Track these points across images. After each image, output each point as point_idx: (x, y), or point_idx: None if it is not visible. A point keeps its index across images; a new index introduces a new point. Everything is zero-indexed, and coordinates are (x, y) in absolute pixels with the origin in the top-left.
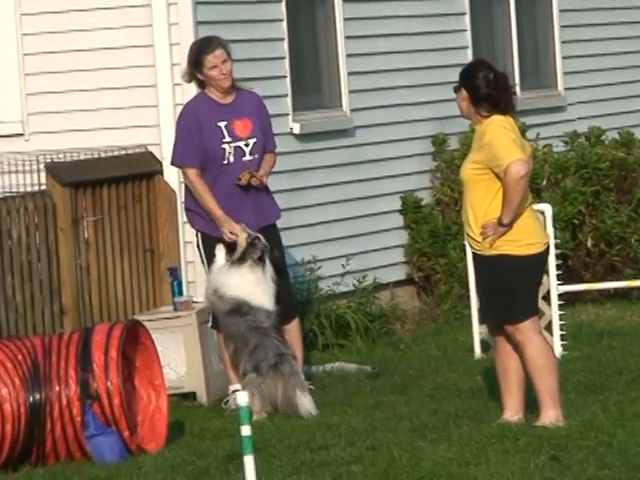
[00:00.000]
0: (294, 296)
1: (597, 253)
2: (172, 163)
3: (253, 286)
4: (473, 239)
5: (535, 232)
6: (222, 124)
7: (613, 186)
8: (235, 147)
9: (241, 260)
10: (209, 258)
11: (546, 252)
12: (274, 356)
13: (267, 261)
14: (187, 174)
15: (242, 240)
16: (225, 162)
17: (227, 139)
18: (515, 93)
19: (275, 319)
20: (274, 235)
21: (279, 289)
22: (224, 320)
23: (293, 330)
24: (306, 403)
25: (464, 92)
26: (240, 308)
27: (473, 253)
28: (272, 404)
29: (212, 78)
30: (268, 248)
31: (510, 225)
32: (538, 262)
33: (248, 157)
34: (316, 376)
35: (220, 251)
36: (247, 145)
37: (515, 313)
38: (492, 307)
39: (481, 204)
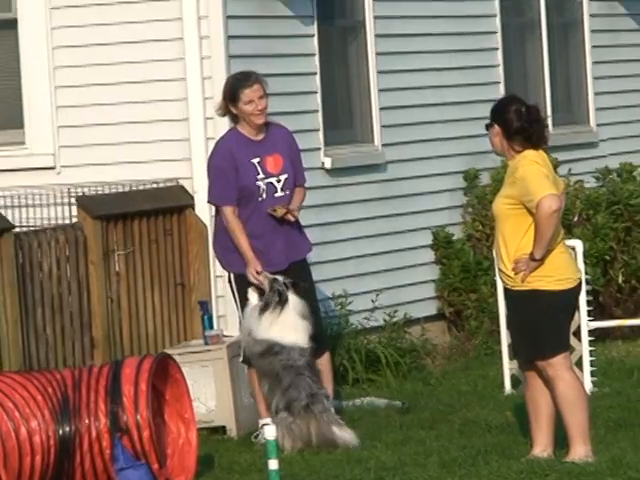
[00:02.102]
0: (324, 330)
1: (628, 289)
2: (209, 201)
3: (283, 327)
4: (505, 274)
5: (567, 268)
6: (255, 160)
7: None
8: (267, 183)
9: (266, 306)
10: (241, 297)
11: (578, 288)
12: (307, 396)
13: (291, 298)
14: (224, 212)
15: (267, 286)
16: (260, 199)
17: (261, 175)
18: (547, 126)
19: (309, 356)
20: (304, 269)
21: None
22: (258, 362)
23: (324, 364)
24: (346, 436)
25: (496, 127)
26: (272, 348)
27: (505, 288)
28: (304, 443)
29: (247, 113)
30: (289, 285)
31: (542, 260)
32: (570, 298)
33: (280, 193)
34: (346, 411)
35: (252, 295)
36: (279, 181)
37: (547, 348)
38: (524, 342)
39: (513, 239)
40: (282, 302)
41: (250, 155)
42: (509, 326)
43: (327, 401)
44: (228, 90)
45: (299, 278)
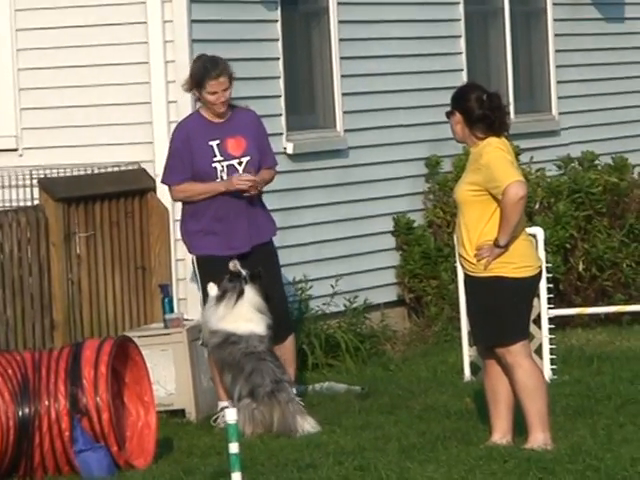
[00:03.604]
0: (289, 313)
1: (588, 277)
2: (162, 181)
3: (236, 319)
4: (467, 260)
5: (530, 255)
6: (214, 143)
7: (605, 211)
8: (228, 165)
9: (222, 297)
10: (204, 280)
11: (539, 276)
12: (271, 382)
13: (247, 292)
14: (170, 191)
15: (232, 268)
16: (218, 181)
17: (218, 158)
18: (508, 113)
19: (269, 343)
20: (270, 252)
21: (273, 307)
22: (218, 353)
23: (288, 347)
24: (307, 426)
25: (458, 115)
26: (229, 338)
27: (465, 274)
28: (265, 429)
29: (209, 102)
30: (247, 278)
31: (506, 247)
32: (531, 285)
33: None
34: (306, 395)
35: (212, 288)
36: (240, 163)
37: (507, 335)
38: (484, 329)
39: (476, 225)
40: (237, 294)
41: (208, 137)
42: (469, 313)
43: (291, 389)
44: (195, 75)
45: (265, 262)
